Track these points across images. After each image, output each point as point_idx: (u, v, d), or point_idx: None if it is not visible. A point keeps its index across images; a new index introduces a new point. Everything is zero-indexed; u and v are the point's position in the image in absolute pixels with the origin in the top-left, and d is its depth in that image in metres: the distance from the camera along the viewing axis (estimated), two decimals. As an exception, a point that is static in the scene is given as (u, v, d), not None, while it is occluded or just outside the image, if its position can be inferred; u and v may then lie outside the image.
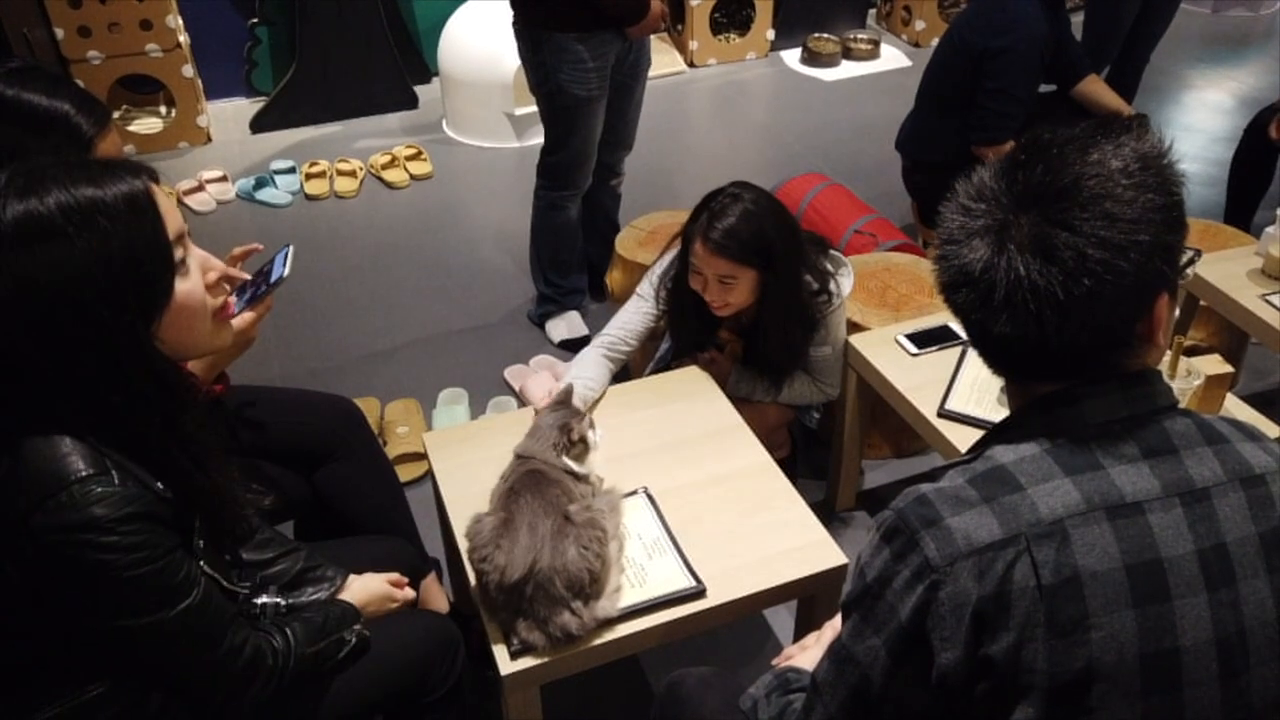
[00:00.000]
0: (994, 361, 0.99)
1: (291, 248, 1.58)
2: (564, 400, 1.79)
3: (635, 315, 2.14)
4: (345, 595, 1.52)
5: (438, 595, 1.87)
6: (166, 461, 1.17)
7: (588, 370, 2.02)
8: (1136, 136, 0.91)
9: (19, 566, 1.09)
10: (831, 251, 2.18)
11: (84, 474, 1.08)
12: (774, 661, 1.37)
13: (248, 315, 1.47)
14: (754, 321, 2.12)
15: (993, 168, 0.95)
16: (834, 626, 1.40)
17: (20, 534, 1.06)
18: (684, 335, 2.21)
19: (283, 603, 1.45)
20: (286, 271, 1.52)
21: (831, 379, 2.22)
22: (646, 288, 2.16)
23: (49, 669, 1.19)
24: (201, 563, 1.22)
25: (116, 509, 1.08)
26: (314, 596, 1.50)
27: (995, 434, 0.99)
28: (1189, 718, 0.88)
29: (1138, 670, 0.86)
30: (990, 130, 2.93)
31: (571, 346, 2.95)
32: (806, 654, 1.36)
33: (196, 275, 1.19)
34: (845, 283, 2.15)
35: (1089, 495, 0.88)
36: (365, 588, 1.54)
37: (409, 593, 1.60)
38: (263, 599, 1.43)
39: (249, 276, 1.56)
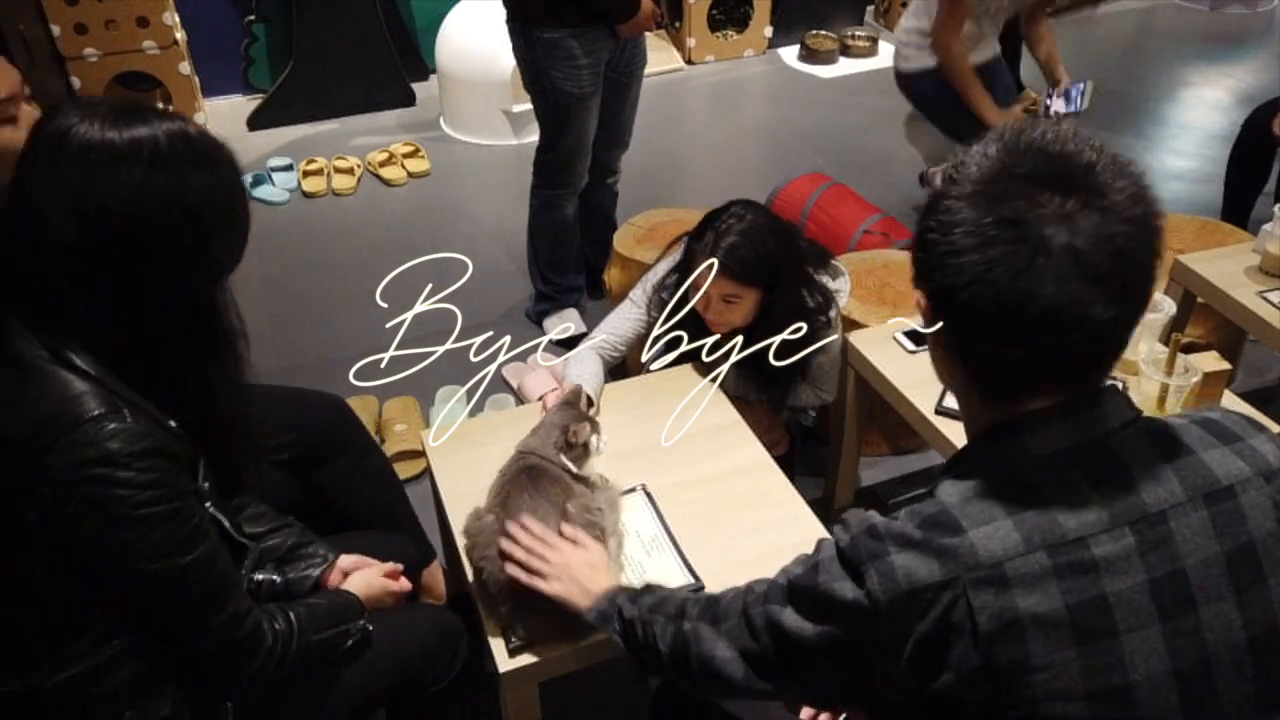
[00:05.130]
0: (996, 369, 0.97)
1: None
2: (572, 400, 1.79)
3: (625, 321, 2.13)
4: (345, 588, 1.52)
5: (442, 583, 1.87)
6: (182, 395, 1.19)
7: (587, 366, 2.01)
8: None
9: (38, 511, 1.08)
10: (832, 261, 2.18)
11: (97, 412, 1.08)
12: None
13: None
14: (750, 333, 2.09)
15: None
16: None
17: (38, 476, 1.06)
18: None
19: (278, 579, 1.45)
20: None
21: (828, 385, 2.22)
22: (639, 294, 2.15)
23: (68, 631, 1.17)
24: (209, 505, 1.22)
25: (132, 444, 1.08)
26: (305, 572, 1.50)
27: (948, 468, 0.99)
28: None
29: (1085, 710, 0.83)
30: None
31: (569, 344, 2.95)
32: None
33: None
34: (843, 295, 2.15)
35: (1029, 535, 0.86)
36: (365, 580, 1.54)
37: (405, 584, 1.60)
38: (260, 575, 1.43)
39: None
